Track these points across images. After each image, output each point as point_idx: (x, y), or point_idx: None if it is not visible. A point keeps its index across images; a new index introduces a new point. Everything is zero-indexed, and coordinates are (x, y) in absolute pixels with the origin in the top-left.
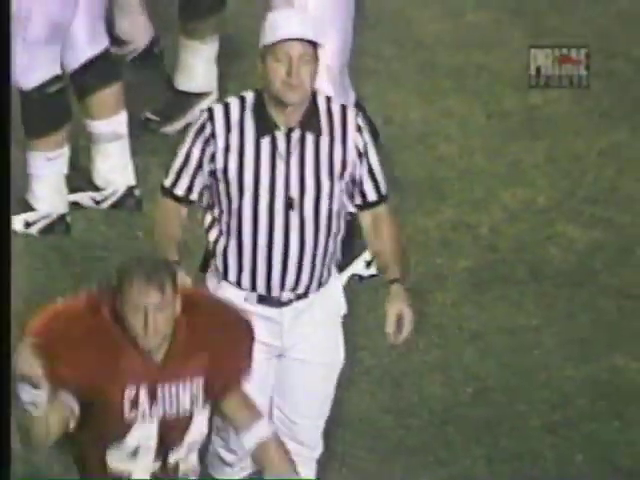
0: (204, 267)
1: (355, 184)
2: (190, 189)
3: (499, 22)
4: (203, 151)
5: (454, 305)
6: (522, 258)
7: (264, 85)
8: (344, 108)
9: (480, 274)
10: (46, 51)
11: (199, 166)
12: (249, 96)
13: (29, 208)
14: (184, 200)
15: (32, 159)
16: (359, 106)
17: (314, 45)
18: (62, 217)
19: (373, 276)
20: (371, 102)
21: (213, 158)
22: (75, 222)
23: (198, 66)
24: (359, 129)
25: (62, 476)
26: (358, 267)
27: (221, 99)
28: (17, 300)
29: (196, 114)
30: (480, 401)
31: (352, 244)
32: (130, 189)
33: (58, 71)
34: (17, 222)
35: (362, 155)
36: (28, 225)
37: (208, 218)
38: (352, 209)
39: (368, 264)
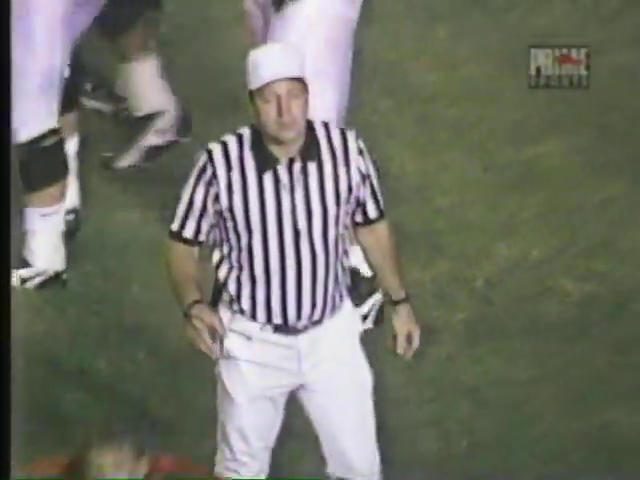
0: (214, 303)
1: (359, 204)
2: (198, 231)
3: (494, 75)
4: (206, 193)
5: (449, 358)
6: (517, 311)
7: (258, 124)
8: (343, 132)
9: (475, 327)
10: (40, 102)
11: (204, 208)
12: (246, 133)
13: (26, 264)
14: (193, 242)
15: (27, 214)
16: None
17: (300, 78)
18: (58, 274)
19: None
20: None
21: (217, 198)
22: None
23: (141, 86)
24: (360, 152)
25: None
26: None
27: (218, 139)
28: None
29: (153, 139)
30: (475, 455)
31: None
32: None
33: (54, 124)
34: (14, 278)
35: (365, 177)
36: (24, 281)
37: (217, 254)
38: (350, 226)
39: (364, 318)
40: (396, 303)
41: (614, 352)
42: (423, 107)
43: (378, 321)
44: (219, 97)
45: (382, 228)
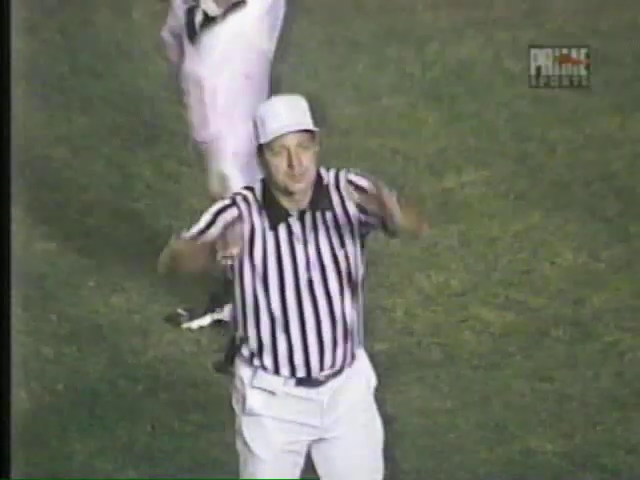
0: (230, 359)
1: (373, 225)
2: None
3: (414, 106)
4: (227, 223)
5: None
6: (437, 341)
7: (267, 177)
8: (336, 175)
9: (395, 357)
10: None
11: (222, 232)
12: (257, 187)
13: None
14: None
15: None
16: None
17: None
18: None
19: None
20: None
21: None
22: None
23: None
24: (349, 182)
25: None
26: (226, 313)
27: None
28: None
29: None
30: None
31: (222, 289)
32: None
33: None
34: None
35: (360, 205)
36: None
37: (233, 311)
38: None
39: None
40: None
41: (534, 380)
42: (342, 138)
43: None
44: (140, 126)
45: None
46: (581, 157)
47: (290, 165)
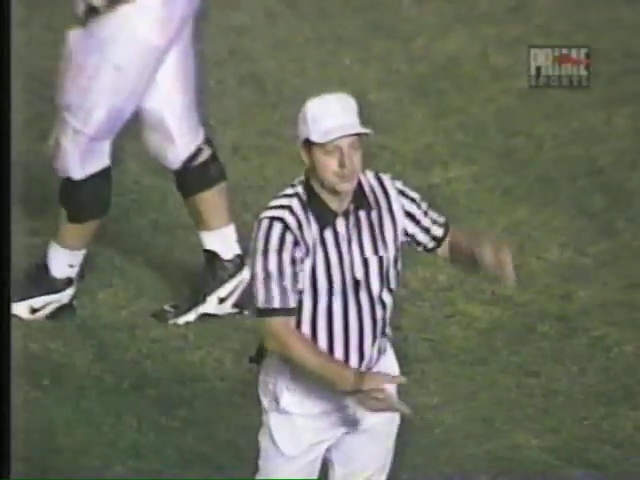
0: (261, 356)
1: (426, 232)
2: (296, 297)
3: (401, 101)
4: (293, 257)
5: None
6: (424, 336)
7: (313, 176)
8: (379, 177)
9: None
10: (102, 144)
11: (294, 273)
12: (300, 191)
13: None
14: (294, 312)
15: (54, 252)
16: (209, 142)
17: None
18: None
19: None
20: (273, 181)
21: (302, 261)
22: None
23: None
24: (400, 192)
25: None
26: (210, 305)
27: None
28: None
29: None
30: None
31: (203, 281)
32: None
33: (108, 162)
34: (21, 308)
35: (415, 210)
36: (34, 311)
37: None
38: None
39: (221, 301)
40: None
41: (521, 375)
42: None
43: (240, 305)
44: (127, 121)
45: (451, 233)
46: (567, 152)
47: (342, 165)
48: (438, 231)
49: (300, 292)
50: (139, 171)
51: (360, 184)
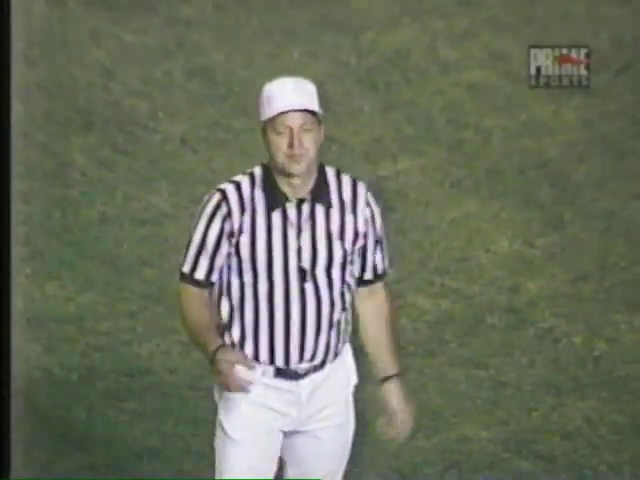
0: None
1: (363, 257)
2: (210, 271)
3: (350, 94)
4: (221, 231)
5: None
6: None
7: (268, 159)
8: (354, 182)
9: None
10: None
11: (217, 246)
12: (257, 171)
13: None
14: (205, 284)
15: None
16: None
17: (314, 111)
18: None
19: None
20: (222, 173)
21: (230, 237)
22: None
23: None
24: (368, 204)
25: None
26: None
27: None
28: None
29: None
30: None
31: None
32: None
33: None
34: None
35: (370, 230)
36: None
37: (216, 293)
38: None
39: None
40: (387, 379)
41: (469, 367)
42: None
43: None
44: (75, 114)
45: (383, 292)
46: (516, 145)
47: (291, 145)
48: (368, 274)
49: (227, 268)
50: (86, 163)
51: (325, 179)
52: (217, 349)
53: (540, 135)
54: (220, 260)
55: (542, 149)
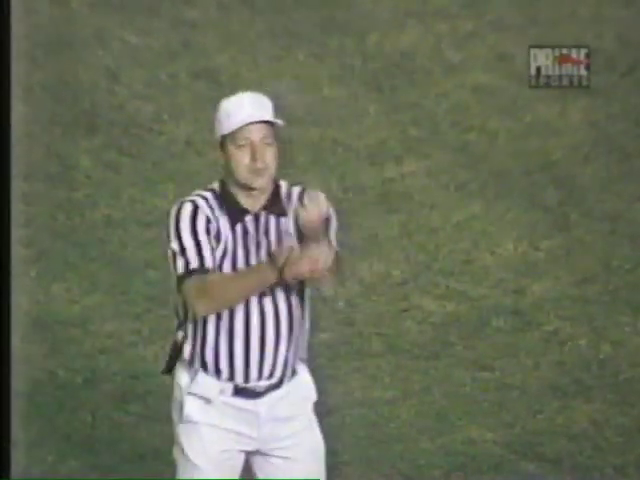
0: (171, 365)
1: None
2: (214, 258)
3: (355, 97)
4: (207, 224)
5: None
6: (378, 331)
7: (227, 173)
8: (302, 191)
9: (337, 348)
10: None
11: (208, 234)
12: (216, 187)
13: None
14: (213, 270)
15: None
16: None
17: (272, 125)
18: None
19: None
20: None
21: (216, 237)
22: None
23: None
24: (300, 194)
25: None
26: None
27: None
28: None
29: None
30: (335, 475)
31: None
32: None
33: None
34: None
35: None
36: None
37: (181, 302)
38: None
39: None
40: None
41: (474, 369)
42: (283, 129)
43: None
44: (80, 116)
45: None
46: (521, 147)
47: (254, 159)
48: None
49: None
50: (91, 166)
51: (277, 190)
52: (268, 261)
53: (545, 137)
54: (212, 246)
55: (547, 151)
